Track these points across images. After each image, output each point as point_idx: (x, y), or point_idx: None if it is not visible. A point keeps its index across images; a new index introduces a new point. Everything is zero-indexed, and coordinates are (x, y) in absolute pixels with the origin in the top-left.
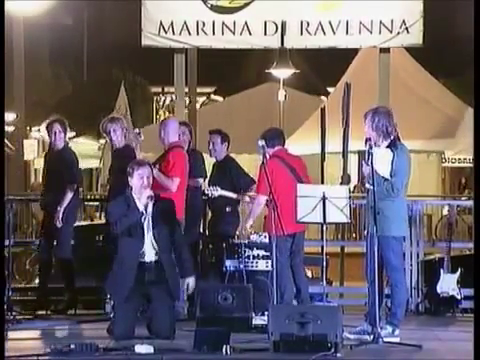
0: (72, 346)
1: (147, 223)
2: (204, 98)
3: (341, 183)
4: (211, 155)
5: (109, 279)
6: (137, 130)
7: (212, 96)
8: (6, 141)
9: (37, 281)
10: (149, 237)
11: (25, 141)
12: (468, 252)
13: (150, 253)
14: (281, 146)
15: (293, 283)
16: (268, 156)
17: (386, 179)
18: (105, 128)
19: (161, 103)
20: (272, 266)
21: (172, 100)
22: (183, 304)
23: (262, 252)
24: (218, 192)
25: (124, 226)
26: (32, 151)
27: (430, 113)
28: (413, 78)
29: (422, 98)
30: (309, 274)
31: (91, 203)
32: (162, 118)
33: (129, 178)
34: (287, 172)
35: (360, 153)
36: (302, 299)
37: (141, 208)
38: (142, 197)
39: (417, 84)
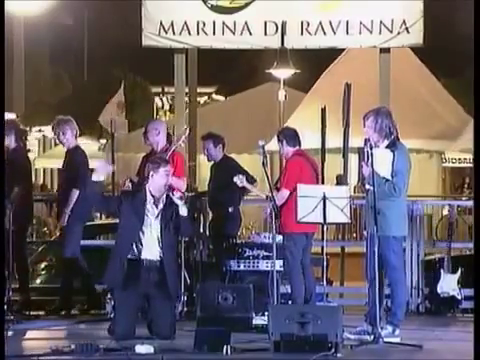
0: (72, 346)
1: (156, 220)
2: (205, 98)
3: (337, 183)
4: (208, 160)
5: (107, 273)
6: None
7: (214, 96)
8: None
9: (38, 281)
10: (153, 235)
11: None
12: (468, 252)
13: (153, 251)
14: (299, 146)
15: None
16: (289, 155)
17: (387, 180)
18: (55, 129)
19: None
20: (286, 266)
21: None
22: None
23: (263, 252)
24: (244, 183)
25: (131, 213)
26: (32, 151)
27: (432, 114)
28: (415, 78)
29: (424, 99)
30: None
31: None
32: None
33: (151, 172)
34: (311, 171)
35: (360, 149)
36: (312, 302)
37: (159, 205)
38: (162, 193)
39: (419, 84)
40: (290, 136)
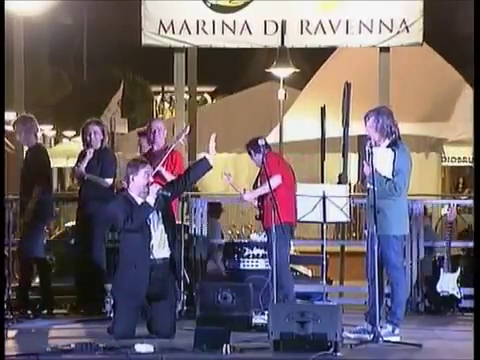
0: (72, 345)
1: (153, 219)
2: (205, 97)
3: (339, 182)
4: None
5: (118, 282)
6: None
7: (213, 95)
8: (6, 141)
9: (38, 281)
10: (157, 233)
11: None
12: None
13: (158, 250)
14: (269, 150)
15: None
16: (261, 158)
17: (388, 179)
18: (16, 127)
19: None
20: (275, 261)
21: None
22: None
23: (262, 251)
24: (230, 181)
25: (138, 223)
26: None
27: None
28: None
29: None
30: (309, 273)
31: None
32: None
33: (131, 176)
34: (287, 166)
35: (359, 137)
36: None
37: (152, 204)
38: (152, 192)
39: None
40: (256, 146)
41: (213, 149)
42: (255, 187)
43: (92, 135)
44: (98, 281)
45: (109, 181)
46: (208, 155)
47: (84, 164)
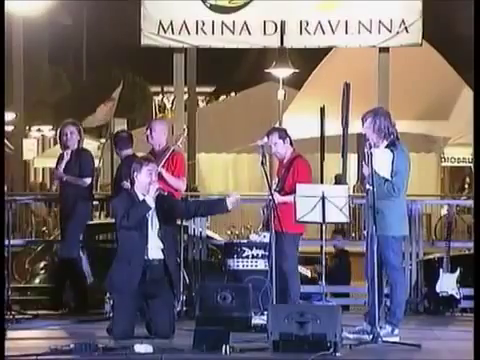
0: (71, 345)
1: (152, 219)
2: (204, 97)
3: (335, 182)
4: None
5: (112, 277)
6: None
7: (213, 95)
8: (6, 141)
9: (37, 281)
10: (154, 234)
11: (24, 140)
12: (467, 252)
13: (154, 251)
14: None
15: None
16: (289, 154)
17: (387, 179)
18: None
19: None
20: (284, 265)
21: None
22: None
23: (261, 252)
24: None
25: (135, 220)
26: (31, 150)
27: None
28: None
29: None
30: (308, 274)
31: None
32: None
33: (135, 173)
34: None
35: (358, 135)
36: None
37: (150, 203)
38: (151, 191)
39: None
40: (286, 135)
41: (234, 201)
42: (280, 183)
43: (68, 135)
44: (79, 280)
45: (87, 181)
46: (229, 200)
47: (62, 166)
